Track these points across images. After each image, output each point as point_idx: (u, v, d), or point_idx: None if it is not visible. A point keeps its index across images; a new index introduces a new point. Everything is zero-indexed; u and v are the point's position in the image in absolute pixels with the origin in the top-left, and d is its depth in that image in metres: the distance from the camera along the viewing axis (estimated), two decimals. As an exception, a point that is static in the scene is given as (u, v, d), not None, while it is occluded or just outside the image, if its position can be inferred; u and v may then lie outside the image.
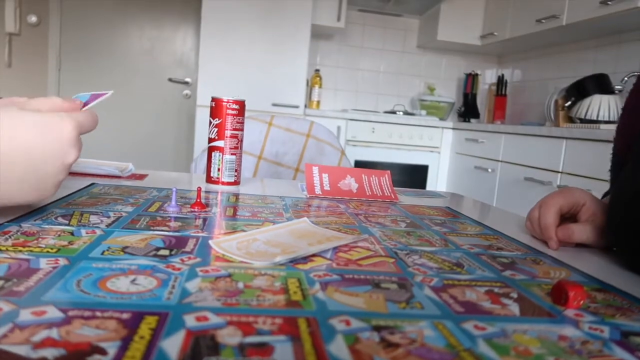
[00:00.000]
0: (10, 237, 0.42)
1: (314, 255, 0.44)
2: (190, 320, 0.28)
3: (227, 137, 0.80)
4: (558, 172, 2.06)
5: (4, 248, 0.39)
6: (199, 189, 0.62)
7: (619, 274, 0.47)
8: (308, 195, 0.79)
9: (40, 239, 0.42)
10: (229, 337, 0.26)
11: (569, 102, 2.42)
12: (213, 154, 0.81)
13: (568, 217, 0.59)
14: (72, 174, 0.81)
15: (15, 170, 0.42)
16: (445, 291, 0.37)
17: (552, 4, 2.51)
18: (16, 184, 0.43)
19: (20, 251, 0.38)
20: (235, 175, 0.82)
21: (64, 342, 0.24)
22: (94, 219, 0.51)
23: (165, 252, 0.41)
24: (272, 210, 0.64)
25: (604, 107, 2.21)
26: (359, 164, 2.88)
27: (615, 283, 0.43)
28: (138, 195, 0.67)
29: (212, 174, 0.81)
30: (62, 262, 0.37)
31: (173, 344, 0.25)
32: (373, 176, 0.86)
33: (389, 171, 0.88)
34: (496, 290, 0.39)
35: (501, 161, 2.50)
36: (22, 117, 0.43)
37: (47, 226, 0.47)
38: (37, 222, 0.48)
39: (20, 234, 0.43)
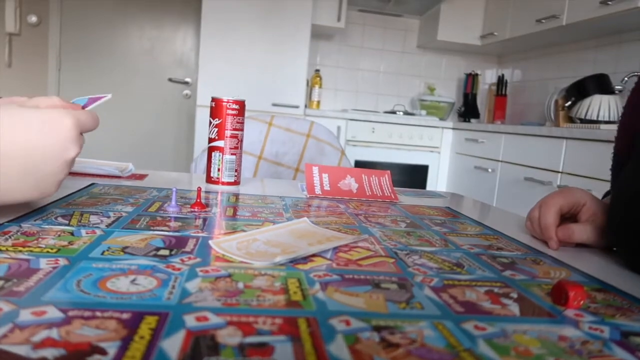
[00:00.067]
0: (10, 237, 0.42)
1: (314, 255, 0.44)
2: (190, 321, 0.28)
3: (227, 137, 0.80)
4: (558, 172, 2.06)
5: (4, 248, 0.39)
6: (199, 189, 0.62)
7: (619, 274, 0.47)
8: (308, 195, 0.79)
9: (40, 239, 0.42)
10: (229, 337, 0.26)
11: (569, 102, 2.42)
12: (213, 154, 0.81)
13: (568, 217, 0.59)
14: (72, 174, 0.81)
15: (16, 168, 0.42)
16: (445, 291, 0.37)
17: (552, 4, 2.51)
18: (17, 181, 0.43)
19: (20, 251, 0.38)
20: (235, 175, 0.82)
21: (64, 342, 0.24)
22: (94, 219, 0.51)
23: (165, 252, 0.41)
24: (272, 210, 0.64)
25: (604, 107, 2.21)
26: (359, 164, 2.88)
27: (615, 283, 0.43)
28: (138, 195, 0.67)
29: (212, 174, 0.81)
30: (62, 262, 0.37)
31: (173, 344, 0.25)
32: (373, 176, 0.86)
33: (389, 171, 0.88)
34: (496, 290, 0.39)
35: (501, 161, 2.50)
36: (22, 115, 0.43)
37: (47, 226, 0.47)
38: (37, 222, 0.48)
39: (20, 234, 0.43)
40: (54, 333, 0.25)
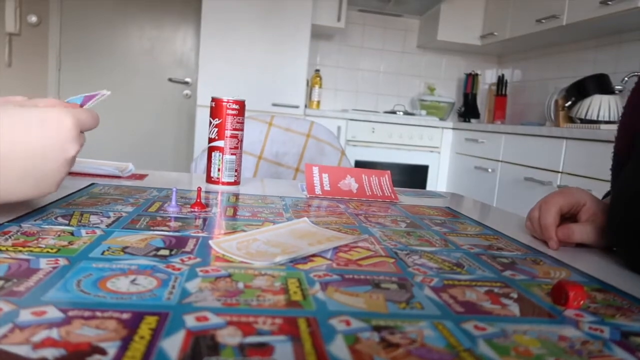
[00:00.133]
0: (10, 237, 0.42)
1: (314, 255, 0.44)
2: (190, 321, 0.28)
3: (227, 137, 0.80)
4: (558, 172, 2.06)
5: (4, 248, 0.39)
6: (199, 189, 0.62)
7: (619, 274, 0.47)
8: (308, 196, 0.79)
9: (40, 239, 0.42)
10: (229, 337, 0.26)
11: (569, 102, 2.42)
12: (213, 154, 0.81)
13: (568, 217, 0.59)
14: (72, 174, 0.81)
15: (15, 167, 0.42)
16: (445, 291, 0.37)
17: (552, 4, 2.51)
18: (17, 180, 0.43)
19: (20, 251, 0.38)
20: (235, 175, 0.82)
21: (64, 342, 0.24)
22: (94, 219, 0.51)
23: (165, 252, 0.41)
24: (272, 210, 0.64)
25: (604, 107, 2.21)
26: (359, 164, 2.88)
27: (615, 283, 0.43)
28: (138, 195, 0.67)
29: (212, 174, 0.81)
30: (62, 262, 0.37)
31: (173, 344, 0.25)
32: (373, 176, 0.86)
33: (389, 171, 0.88)
34: (496, 290, 0.39)
35: (501, 161, 2.50)
36: (21, 114, 0.43)
37: (47, 226, 0.47)
38: (37, 222, 0.48)
39: (20, 234, 0.43)
40: (54, 333, 0.25)
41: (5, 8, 3.10)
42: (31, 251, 0.39)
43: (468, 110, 3.40)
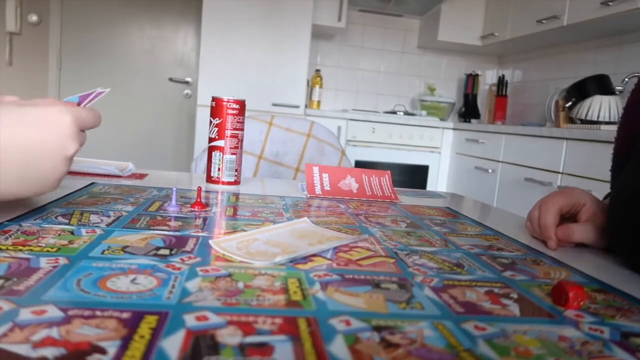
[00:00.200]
0: (10, 236, 0.42)
1: (314, 255, 0.44)
2: (190, 320, 0.28)
3: (227, 136, 0.80)
4: (558, 172, 2.06)
5: (4, 247, 0.39)
6: (199, 189, 0.62)
7: (619, 274, 0.47)
8: (308, 195, 0.79)
9: (40, 238, 0.42)
10: (229, 336, 0.26)
11: (570, 103, 2.42)
12: (213, 153, 0.81)
13: (568, 217, 0.59)
14: (72, 173, 0.81)
15: (15, 165, 0.42)
16: (446, 291, 0.37)
17: (552, 5, 2.51)
18: (17, 178, 0.43)
19: (21, 250, 0.38)
20: (236, 175, 0.82)
21: (64, 342, 0.24)
22: (94, 218, 0.51)
23: (166, 252, 0.41)
24: (272, 210, 0.64)
25: (604, 108, 2.21)
26: (359, 164, 2.88)
27: (615, 283, 0.43)
28: (138, 194, 0.67)
29: (212, 174, 0.81)
30: (62, 261, 0.37)
31: (173, 344, 0.25)
32: (373, 176, 0.85)
33: (389, 171, 0.88)
34: (496, 290, 0.38)
35: (501, 162, 2.50)
36: (20, 112, 0.43)
37: (47, 225, 0.47)
38: (37, 221, 0.48)
39: (21, 233, 0.43)
40: (54, 332, 0.25)
41: (6, 7, 3.11)
42: (31, 250, 0.39)
43: (468, 111, 3.40)
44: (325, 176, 0.82)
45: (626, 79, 2.31)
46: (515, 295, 0.38)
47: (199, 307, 0.30)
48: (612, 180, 0.65)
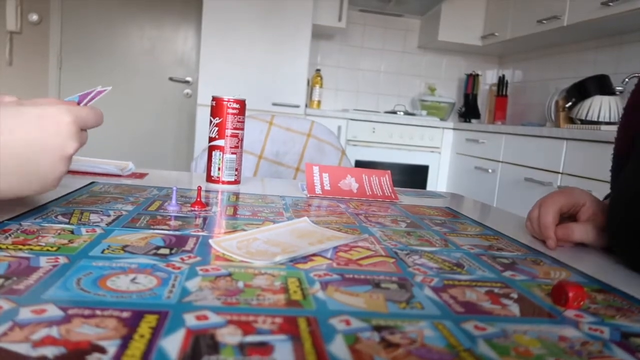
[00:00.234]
0: (10, 235, 0.42)
1: (314, 254, 0.44)
2: (190, 319, 0.28)
3: (227, 136, 0.80)
4: (558, 172, 2.06)
5: (4, 246, 0.39)
6: (199, 188, 0.62)
7: (619, 274, 0.47)
8: (308, 195, 0.79)
9: (40, 237, 0.42)
10: (229, 336, 0.26)
11: (570, 103, 2.42)
12: (213, 153, 0.81)
13: (567, 217, 0.59)
14: (72, 172, 0.81)
15: (15, 164, 0.42)
16: (446, 291, 0.37)
17: (553, 5, 2.51)
18: (16, 177, 0.43)
19: (21, 249, 0.38)
20: (236, 175, 0.82)
21: (63, 341, 0.24)
22: (94, 217, 0.51)
23: (166, 251, 0.41)
24: (272, 209, 0.64)
25: (604, 108, 2.21)
26: (359, 164, 2.88)
27: (615, 283, 0.43)
28: (138, 194, 0.67)
29: (212, 173, 0.81)
30: (62, 260, 0.37)
31: (173, 343, 0.25)
32: (373, 176, 0.85)
33: (389, 171, 0.87)
34: (496, 290, 0.38)
35: (502, 162, 2.50)
36: (20, 111, 0.43)
37: (47, 224, 0.46)
38: (37, 220, 0.48)
39: (21, 232, 0.43)
40: (53, 331, 0.25)
41: (6, 6, 3.10)
42: (31, 249, 0.39)
43: (468, 111, 3.40)
44: (326, 176, 0.82)
45: (626, 79, 2.31)
46: (515, 295, 0.38)
47: (199, 307, 0.30)
48: (612, 181, 0.65)
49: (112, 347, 0.24)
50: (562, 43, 2.88)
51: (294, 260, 0.42)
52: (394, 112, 3.23)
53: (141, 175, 0.86)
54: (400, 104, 3.55)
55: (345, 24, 3.12)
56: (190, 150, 3.45)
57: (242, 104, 0.81)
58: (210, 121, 0.81)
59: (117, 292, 0.31)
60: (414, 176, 3.03)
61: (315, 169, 0.83)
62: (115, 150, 3.38)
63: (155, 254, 0.40)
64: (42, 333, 0.25)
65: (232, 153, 0.81)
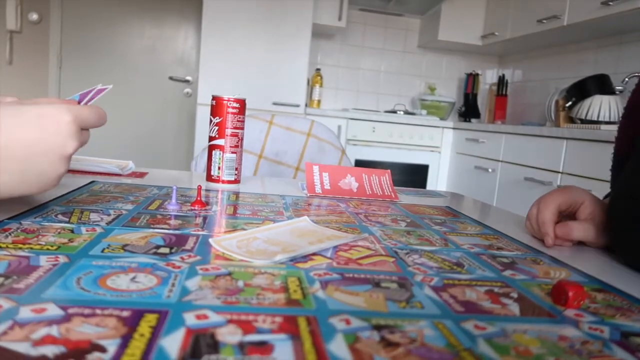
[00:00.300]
0: (10, 234, 0.42)
1: (314, 254, 0.44)
2: (190, 319, 0.28)
3: (227, 135, 0.80)
4: (558, 172, 2.06)
5: (4, 245, 0.39)
6: (199, 187, 0.62)
7: (619, 274, 0.47)
8: (308, 194, 0.79)
9: (40, 237, 0.42)
10: (229, 335, 0.26)
11: (570, 103, 2.42)
12: (213, 152, 0.81)
13: (566, 216, 0.59)
14: (72, 171, 0.81)
15: (14, 163, 0.42)
16: (446, 291, 0.37)
17: (553, 4, 2.51)
18: (16, 176, 0.43)
19: (21, 248, 0.38)
20: (236, 174, 0.82)
21: (63, 340, 0.24)
22: (94, 216, 0.51)
23: (166, 250, 0.41)
24: (272, 208, 0.64)
25: (604, 107, 2.21)
26: (359, 163, 2.88)
27: (615, 283, 0.43)
28: (138, 193, 0.67)
29: (212, 173, 0.81)
30: (62, 259, 0.37)
31: (173, 342, 0.25)
32: (373, 175, 0.85)
33: (389, 170, 0.87)
34: (496, 290, 0.38)
35: (501, 161, 2.50)
36: (20, 110, 0.43)
37: (47, 224, 0.46)
38: (37, 219, 0.48)
39: (20, 231, 0.43)
40: (53, 330, 0.25)
41: (6, 6, 3.10)
42: (31, 248, 0.39)
43: (468, 110, 3.40)
44: (326, 175, 0.82)
45: (626, 79, 2.31)
46: (515, 295, 0.38)
47: (199, 306, 0.30)
48: (612, 180, 0.65)
49: (112, 346, 0.24)
50: (562, 43, 2.88)
51: (294, 260, 0.42)
52: (394, 112, 3.23)
53: (141, 175, 0.86)
54: (400, 104, 3.55)
55: (346, 24, 3.12)
56: (190, 149, 3.45)
57: (242, 103, 0.81)
58: (210, 120, 0.81)
59: (117, 291, 0.31)
60: (414, 175, 3.03)
61: (315, 169, 0.83)
62: (115, 149, 3.38)
63: (155, 253, 0.40)
64: (42, 332, 0.25)
65: (232, 152, 0.81)
